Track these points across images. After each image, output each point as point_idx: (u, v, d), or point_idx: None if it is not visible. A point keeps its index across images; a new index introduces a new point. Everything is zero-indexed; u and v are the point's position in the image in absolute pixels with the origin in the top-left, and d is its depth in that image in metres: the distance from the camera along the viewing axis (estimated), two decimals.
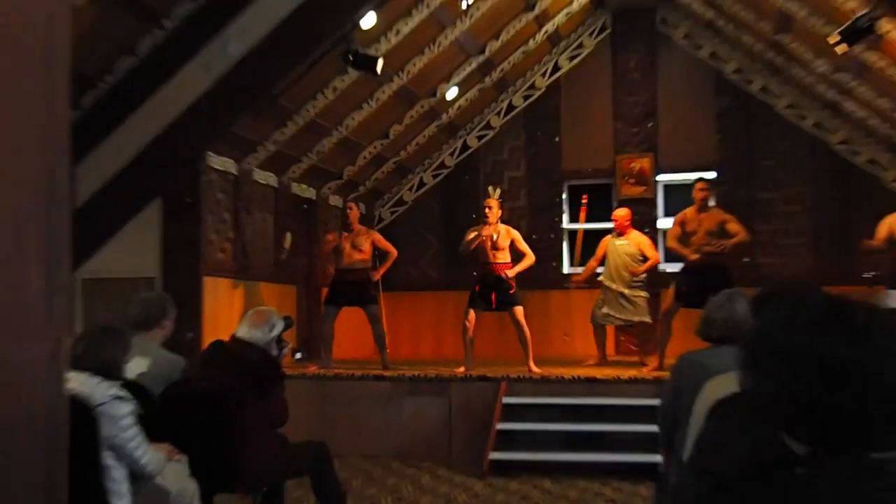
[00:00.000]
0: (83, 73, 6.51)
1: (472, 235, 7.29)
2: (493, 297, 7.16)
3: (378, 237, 7.88)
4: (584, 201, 8.57)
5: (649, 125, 9.84)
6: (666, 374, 4.95)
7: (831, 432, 1.22)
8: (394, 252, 7.81)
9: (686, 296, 6.86)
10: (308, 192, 9.15)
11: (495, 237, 7.21)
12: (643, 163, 9.71)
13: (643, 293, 7.88)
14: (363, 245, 7.68)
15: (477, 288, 7.26)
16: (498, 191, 7.55)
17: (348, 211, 7.80)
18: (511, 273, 7.13)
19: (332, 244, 7.77)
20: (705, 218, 7.02)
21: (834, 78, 8.19)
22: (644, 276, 7.88)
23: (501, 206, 7.39)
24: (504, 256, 7.24)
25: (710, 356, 2.90)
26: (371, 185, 10.06)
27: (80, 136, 6.64)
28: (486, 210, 7.27)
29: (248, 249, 7.86)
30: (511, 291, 7.11)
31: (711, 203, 7.43)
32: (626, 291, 7.82)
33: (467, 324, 7.25)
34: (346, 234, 7.80)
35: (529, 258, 7.18)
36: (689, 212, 7.14)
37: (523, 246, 7.22)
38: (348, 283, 7.59)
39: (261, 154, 7.90)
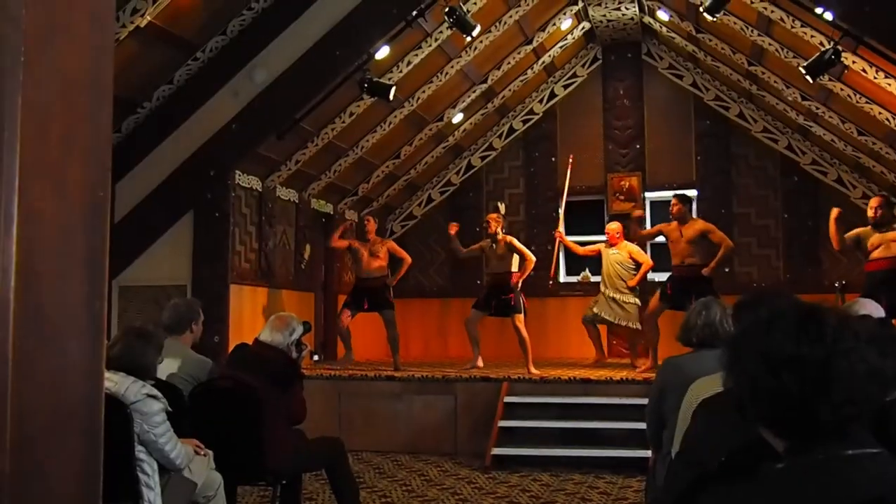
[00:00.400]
0: (125, 99, 6.55)
1: (476, 246, 7.37)
2: (493, 304, 7.15)
3: (393, 245, 7.87)
4: (570, 160, 8.55)
5: (637, 147, 9.83)
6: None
7: (806, 428, 1.21)
8: (408, 259, 7.80)
9: (671, 297, 6.83)
10: (326, 207, 9.16)
11: (493, 247, 7.23)
12: (632, 181, 9.70)
13: (634, 300, 7.85)
14: (380, 253, 7.68)
15: (484, 293, 7.30)
16: (503, 205, 7.60)
17: (366, 223, 7.79)
18: (518, 279, 7.13)
19: (339, 243, 7.74)
20: (686, 229, 7.01)
21: (803, 104, 8.20)
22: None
23: (502, 220, 7.38)
24: (505, 266, 7.24)
25: (692, 360, 2.88)
26: (384, 201, 10.07)
27: (120, 157, 6.69)
28: (485, 225, 7.33)
29: (271, 259, 7.87)
30: (510, 300, 7.09)
31: (694, 216, 7.43)
32: (618, 296, 7.80)
33: (467, 321, 7.28)
34: (363, 243, 7.79)
35: (530, 260, 7.18)
36: (673, 224, 7.14)
37: (523, 250, 7.22)
38: (367, 289, 7.59)
39: (283, 172, 7.92)
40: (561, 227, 8.22)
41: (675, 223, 7.08)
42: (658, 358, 6.98)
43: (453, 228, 7.48)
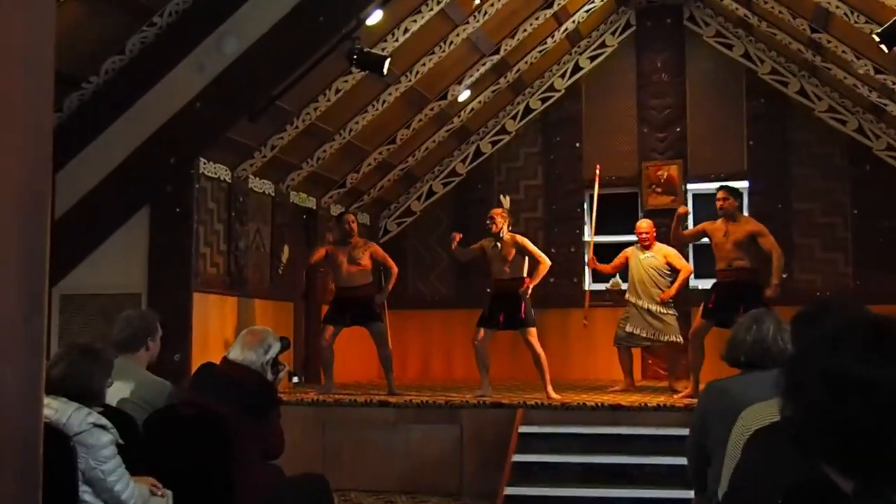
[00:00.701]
0: (66, 73, 6.56)
1: (477, 247, 7.34)
2: (502, 315, 7.13)
3: (377, 249, 7.80)
4: (597, 170, 8.50)
5: (677, 130, 9.83)
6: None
7: (879, 466, 1.20)
8: (394, 268, 7.75)
9: (714, 312, 6.82)
10: (308, 202, 9.16)
11: (498, 247, 7.19)
12: (671, 170, 9.70)
13: (672, 311, 7.85)
14: (361, 258, 7.63)
15: (488, 305, 7.25)
16: (507, 199, 7.55)
17: (346, 222, 7.76)
18: (528, 286, 7.08)
19: (316, 257, 7.73)
20: (734, 229, 6.98)
21: (877, 79, 8.16)
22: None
23: (508, 216, 7.34)
24: (515, 271, 7.20)
25: (739, 383, 2.88)
26: (376, 194, 10.08)
27: (62, 142, 6.69)
28: (488, 222, 7.27)
29: (242, 263, 7.86)
30: (520, 310, 7.07)
31: (744, 212, 7.41)
32: (654, 308, 7.79)
33: (476, 343, 7.23)
34: (339, 247, 7.74)
35: (544, 264, 7.11)
36: (718, 222, 7.12)
37: (534, 250, 7.18)
38: (350, 300, 7.56)
39: (257, 160, 7.92)
40: (591, 255, 8.18)
41: (721, 221, 7.07)
42: (701, 381, 6.96)
43: (455, 239, 7.42)
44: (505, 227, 7.23)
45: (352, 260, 7.61)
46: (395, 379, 7.65)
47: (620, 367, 8.09)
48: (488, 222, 7.28)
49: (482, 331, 7.26)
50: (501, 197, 7.70)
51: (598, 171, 8.51)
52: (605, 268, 8.17)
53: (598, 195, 8.36)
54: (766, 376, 2.38)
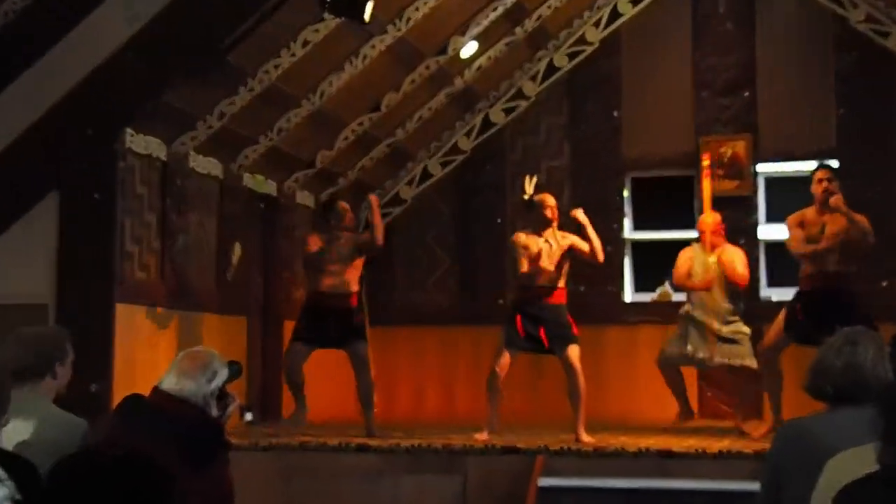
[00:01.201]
0: None
1: (522, 243, 7.23)
2: (542, 332, 7.13)
3: (380, 224, 7.72)
4: (705, 162, 8.33)
5: (745, 95, 9.82)
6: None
7: None
8: (378, 238, 7.54)
9: (800, 326, 6.82)
10: (266, 186, 9.16)
11: (552, 247, 7.21)
12: (737, 147, 9.69)
13: (745, 327, 7.83)
14: (350, 256, 7.63)
15: (518, 320, 7.22)
16: (534, 180, 7.57)
17: (340, 213, 7.71)
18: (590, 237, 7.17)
19: (314, 247, 7.67)
20: (832, 221, 6.96)
21: None
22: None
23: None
24: (558, 276, 7.25)
25: (824, 423, 2.87)
26: (355, 177, 10.08)
27: None
28: (546, 212, 7.27)
29: (181, 266, 7.85)
30: (566, 326, 7.11)
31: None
32: (723, 328, 7.77)
33: (498, 370, 7.22)
34: (327, 236, 7.67)
35: (597, 250, 7.21)
36: (809, 212, 7.10)
37: (581, 243, 7.23)
38: (330, 311, 7.55)
39: (201, 132, 7.92)
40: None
41: (813, 211, 7.07)
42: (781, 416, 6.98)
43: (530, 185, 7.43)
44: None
45: (340, 256, 7.57)
46: (376, 416, 7.65)
47: (672, 393, 8.05)
48: (543, 211, 7.26)
49: (507, 355, 7.22)
50: (528, 180, 7.67)
51: (705, 162, 8.27)
52: (694, 283, 7.94)
53: (708, 197, 8.07)
54: (860, 414, 2.37)
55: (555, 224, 7.33)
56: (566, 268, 7.31)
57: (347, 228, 7.77)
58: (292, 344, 7.65)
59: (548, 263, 7.23)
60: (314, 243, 7.67)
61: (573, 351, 7.11)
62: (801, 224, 7.12)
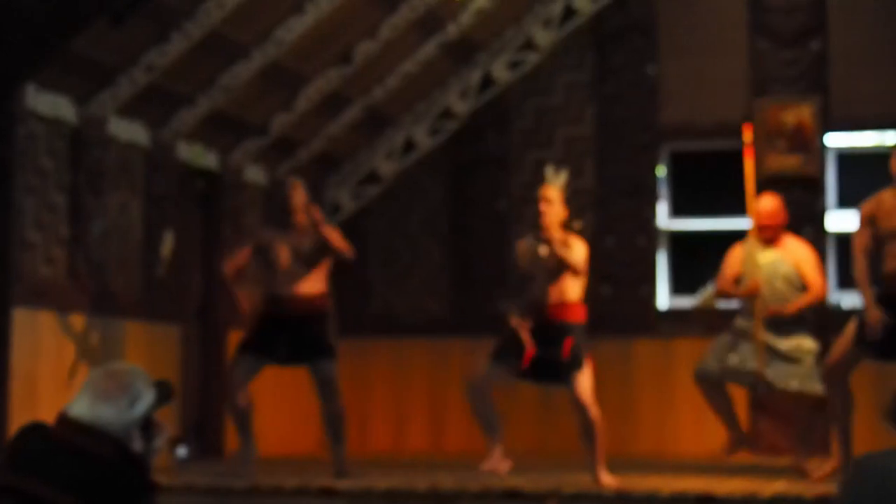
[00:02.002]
0: None
1: (523, 250, 7.33)
2: (536, 360, 7.15)
3: (336, 241, 7.75)
4: (746, 138, 8.27)
5: (812, 48, 9.84)
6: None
7: None
8: (345, 249, 7.62)
9: (878, 342, 6.82)
10: (206, 159, 9.16)
11: (544, 253, 7.20)
12: (802, 113, 9.71)
13: (811, 342, 7.81)
14: (313, 254, 7.61)
15: (511, 339, 7.26)
16: (563, 175, 7.51)
17: (289, 191, 7.73)
18: (578, 316, 7.17)
19: (236, 263, 7.70)
20: None
21: None
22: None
23: (567, 199, 7.37)
24: (568, 292, 7.23)
25: None
26: (320, 148, 10.08)
27: None
28: (542, 205, 7.26)
29: (98, 259, 7.84)
30: (564, 351, 7.10)
31: None
32: (783, 343, 7.75)
33: (469, 384, 7.31)
34: (281, 233, 7.72)
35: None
36: (888, 197, 7.11)
37: (577, 261, 7.22)
38: (288, 319, 7.56)
39: (123, 89, 7.91)
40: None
41: (892, 195, 7.07)
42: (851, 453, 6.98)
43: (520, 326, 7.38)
44: (557, 222, 7.26)
45: (297, 255, 7.57)
46: (347, 451, 7.66)
47: (718, 415, 8.02)
48: (540, 206, 7.26)
49: (486, 368, 7.30)
50: (549, 170, 7.62)
51: (747, 139, 8.25)
52: (739, 291, 7.89)
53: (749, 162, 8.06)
54: None
55: (554, 224, 7.25)
56: (568, 281, 7.25)
57: (294, 213, 7.69)
58: (237, 356, 7.64)
59: (542, 274, 7.23)
60: (239, 259, 7.73)
61: (579, 382, 7.07)
62: (873, 217, 7.07)
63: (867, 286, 7.00)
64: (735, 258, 7.93)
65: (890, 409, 2.79)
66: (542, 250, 7.25)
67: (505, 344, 7.29)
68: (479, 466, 7.27)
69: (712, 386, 7.92)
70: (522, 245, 7.44)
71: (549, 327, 7.19)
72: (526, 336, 7.20)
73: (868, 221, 7.11)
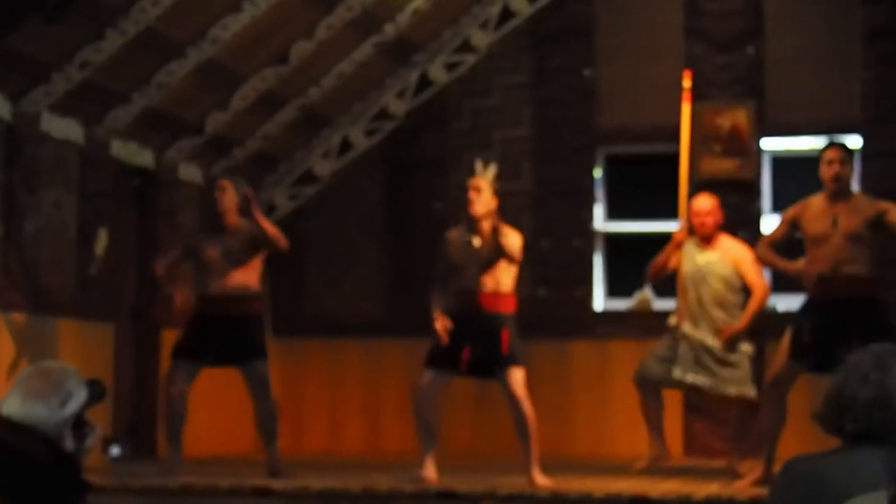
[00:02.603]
0: None
1: (454, 239, 7.34)
2: (467, 352, 7.16)
3: (267, 226, 7.69)
4: (686, 83, 8.36)
5: (749, 52, 9.92)
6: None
7: None
8: (280, 241, 7.58)
9: (810, 351, 6.87)
10: (141, 156, 9.10)
11: (473, 242, 7.21)
12: (737, 117, 9.78)
13: (747, 346, 7.88)
14: (242, 252, 7.59)
15: (446, 334, 7.25)
16: (491, 168, 7.51)
17: (218, 193, 7.72)
18: (510, 310, 7.15)
19: (165, 265, 7.67)
20: (847, 213, 7.02)
21: None
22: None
23: (497, 192, 7.37)
24: (502, 282, 7.23)
25: (838, 465, 2.86)
26: (256, 147, 10.04)
27: None
28: (471, 194, 7.25)
29: (30, 257, 7.78)
30: (499, 345, 7.11)
31: (855, 186, 7.44)
32: (718, 345, 7.80)
33: (416, 393, 7.31)
34: (210, 236, 7.74)
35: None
36: (816, 202, 7.17)
37: (513, 250, 7.22)
38: (220, 319, 7.55)
39: (57, 86, 7.84)
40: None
41: (823, 198, 7.13)
42: (777, 459, 7.02)
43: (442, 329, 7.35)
44: (491, 211, 7.25)
45: (228, 255, 7.56)
46: (280, 451, 7.64)
47: (646, 424, 8.08)
48: (469, 192, 7.25)
49: (430, 374, 7.29)
50: (478, 165, 7.62)
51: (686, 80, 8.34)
52: (664, 264, 8.01)
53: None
54: (884, 456, 2.37)
55: (484, 214, 7.25)
56: (504, 271, 7.27)
57: (225, 214, 7.67)
58: (172, 363, 7.64)
59: (471, 264, 7.25)
60: (168, 261, 7.82)
61: (513, 377, 7.10)
62: (796, 219, 7.15)
63: (776, 257, 7.15)
64: (674, 251, 8.01)
65: (821, 415, 2.78)
66: (476, 241, 7.26)
67: (438, 348, 7.29)
68: (415, 473, 7.25)
69: (650, 391, 7.98)
70: (453, 234, 7.44)
71: (482, 319, 7.19)
72: (443, 334, 7.23)
73: (788, 222, 7.22)
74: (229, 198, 7.67)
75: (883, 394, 2.84)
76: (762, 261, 7.42)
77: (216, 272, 7.59)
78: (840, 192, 7.03)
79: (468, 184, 7.34)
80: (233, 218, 7.68)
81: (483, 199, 7.26)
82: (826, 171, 7.05)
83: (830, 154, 7.10)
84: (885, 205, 7.05)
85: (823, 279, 7.06)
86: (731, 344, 7.75)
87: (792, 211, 7.25)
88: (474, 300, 7.25)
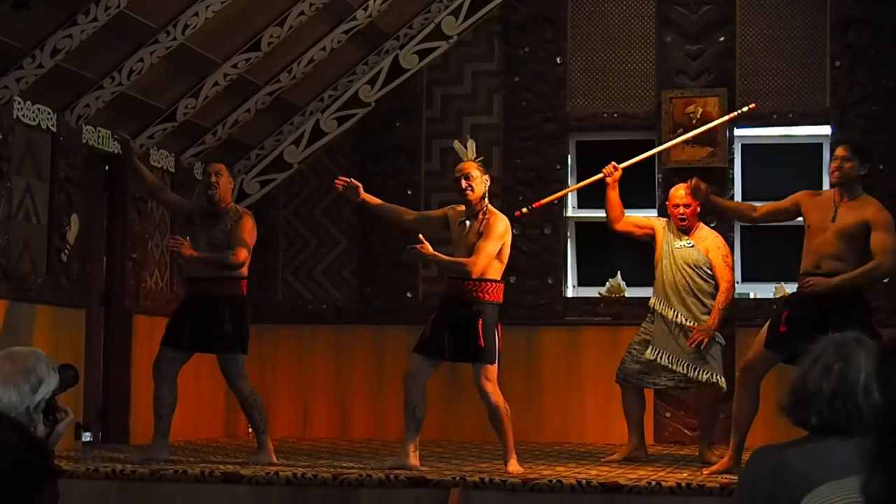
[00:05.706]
0: None
1: (453, 218, 7.34)
2: (447, 337, 7.20)
3: (247, 223, 7.74)
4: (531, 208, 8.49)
5: (720, 40, 9.96)
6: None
7: None
8: (240, 255, 7.61)
9: (788, 341, 6.92)
10: (112, 144, 9.07)
11: (467, 226, 7.21)
12: (708, 106, 9.81)
13: (718, 338, 7.94)
14: (225, 236, 7.64)
15: (431, 320, 7.31)
16: (471, 144, 7.50)
17: (212, 179, 7.72)
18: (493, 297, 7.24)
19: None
20: (848, 211, 7.03)
21: None
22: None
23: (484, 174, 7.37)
24: (490, 270, 7.23)
25: (804, 455, 2.89)
26: (226, 134, 10.03)
27: None
28: (463, 181, 7.23)
29: (2, 243, 7.74)
30: (475, 335, 7.14)
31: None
32: (692, 325, 7.87)
33: (406, 378, 7.35)
34: (201, 215, 7.77)
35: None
36: (825, 194, 7.22)
37: (491, 242, 7.24)
38: (196, 301, 7.63)
39: (27, 72, 7.82)
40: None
41: (833, 193, 7.17)
42: (747, 448, 7.07)
43: (353, 188, 7.54)
44: (486, 193, 7.28)
45: (212, 241, 7.60)
46: (248, 437, 7.63)
47: (626, 418, 8.15)
48: (461, 181, 7.24)
49: (416, 360, 7.33)
50: (458, 143, 7.60)
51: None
52: (614, 210, 8.14)
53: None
54: (847, 447, 2.41)
55: (476, 198, 7.27)
56: (495, 261, 7.30)
57: (215, 200, 7.70)
58: (160, 350, 7.71)
59: (461, 247, 7.29)
60: (195, 207, 7.95)
61: (485, 373, 7.14)
62: (798, 203, 7.20)
63: (729, 201, 7.36)
64: (647, 222, 8.10)
65: (786, 406, 2.77)
66: (468, 224, 7.26)
67: (427, 333, 7.34)
68: (394, 462, 7.26)
69: (632, 391, 8.04)
70: (453, 213, 7.44)
71: (463, 304, 7.22)
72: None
73: (794, 201, 7.28)
74: (225, 181, 7.70)
75: (845, 386, 2.86)
76: (725, 208, 7.69)
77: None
78: (844, 189, 7.08)
79: (460, 172, 7.31)
80: (226, 203, 7.72)
81: (478, 185, 7.24)
82: (830, 167, 7.19)
83: (836, 151, 7.23)
84: (879, 218, 7.00)
85: (808, 273, 7.11)
86: (704, 311, 7.85)
87: (802, 194, 7.33)
88: (458, 285, 7.30)
